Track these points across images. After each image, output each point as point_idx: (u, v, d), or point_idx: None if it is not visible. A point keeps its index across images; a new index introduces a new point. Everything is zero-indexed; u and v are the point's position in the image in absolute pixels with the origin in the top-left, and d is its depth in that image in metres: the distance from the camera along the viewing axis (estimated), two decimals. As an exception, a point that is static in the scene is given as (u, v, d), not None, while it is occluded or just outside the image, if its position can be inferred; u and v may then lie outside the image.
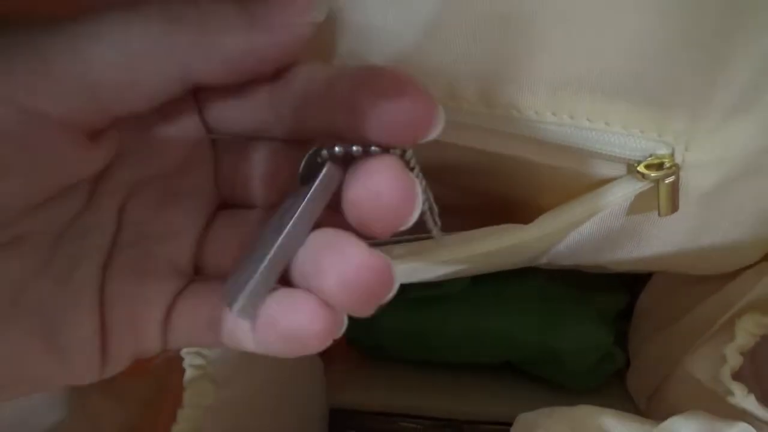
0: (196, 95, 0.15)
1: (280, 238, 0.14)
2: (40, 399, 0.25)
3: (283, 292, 0.14)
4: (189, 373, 0.25)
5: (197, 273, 0.16)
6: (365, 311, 0.14)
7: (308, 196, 0.14)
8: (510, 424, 0.24)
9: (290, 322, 0.14)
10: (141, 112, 0.14)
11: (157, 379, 0.28)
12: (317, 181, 0.14)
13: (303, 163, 0.14)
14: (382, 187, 0.13)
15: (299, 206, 0.14)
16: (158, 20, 0.13)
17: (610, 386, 0.35)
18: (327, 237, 0.14)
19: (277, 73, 0.15)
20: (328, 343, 0.14)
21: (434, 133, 0.13)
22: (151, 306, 0.15)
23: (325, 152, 0.14)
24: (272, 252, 0.14)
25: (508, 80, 0.17)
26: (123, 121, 0.14)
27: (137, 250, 0.15)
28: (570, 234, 0.22)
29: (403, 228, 0.13)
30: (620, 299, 0.35)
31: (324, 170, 0.14)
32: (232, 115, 0.15)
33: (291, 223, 0.14)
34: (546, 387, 0.35)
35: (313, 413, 0.32)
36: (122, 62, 0.13)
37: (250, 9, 0.13)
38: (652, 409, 0.31)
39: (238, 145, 0.16)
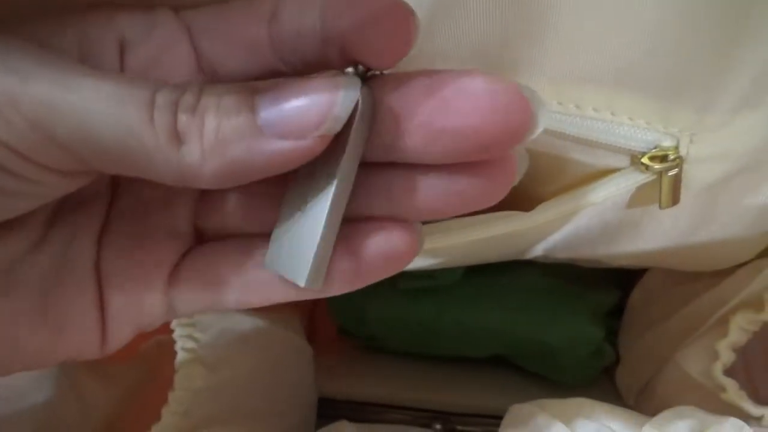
0: (195, 48, 0.14)
1: (332, 190, 0.12)
2: (28, 378, 0.25)
3: (371, 224, 0.14)
4: (180, 356, 0.25)
5: (200, 236, 0.16)
6: (505, 150, 0.12)
7: (352, 129, 0.12)
8: (500, 418, 0.24)
9: (382, 248, 0.14)
10: None
11: (148, 363, 0.28)
12: (358, 111, 0.12)
13: None
14: (510, 107, 0.12)
15: (344, 147, 0.12)
16: None
17: (598, 382, 0.35)
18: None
19: (271, 15, 0.14)
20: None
21: (411, 46, 0.12)
22: (150, 275, 0.15)
23: (351, 70, 0.12)
24: (328, 207, 0.13)
25: (515, 67, 0.17)
26: None
27: (132, 218, 0.15)
28: (567, 226, 0.22)
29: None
30: (613, 295, 0.35)
31: (360, 96, 0.12)
32: (235, 63, 0.14)
33: (339, 168, 0.12)
34: (537, 381, 0.35)
35: (302, 399, 0.32)
36: None
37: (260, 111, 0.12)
38: (641, 405, 0.31)
39: None
